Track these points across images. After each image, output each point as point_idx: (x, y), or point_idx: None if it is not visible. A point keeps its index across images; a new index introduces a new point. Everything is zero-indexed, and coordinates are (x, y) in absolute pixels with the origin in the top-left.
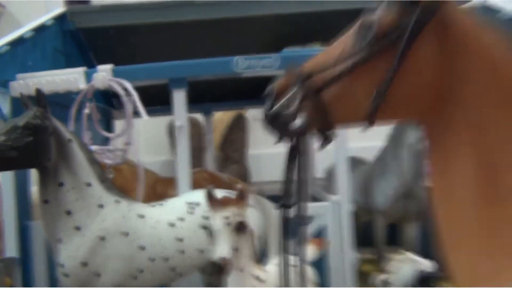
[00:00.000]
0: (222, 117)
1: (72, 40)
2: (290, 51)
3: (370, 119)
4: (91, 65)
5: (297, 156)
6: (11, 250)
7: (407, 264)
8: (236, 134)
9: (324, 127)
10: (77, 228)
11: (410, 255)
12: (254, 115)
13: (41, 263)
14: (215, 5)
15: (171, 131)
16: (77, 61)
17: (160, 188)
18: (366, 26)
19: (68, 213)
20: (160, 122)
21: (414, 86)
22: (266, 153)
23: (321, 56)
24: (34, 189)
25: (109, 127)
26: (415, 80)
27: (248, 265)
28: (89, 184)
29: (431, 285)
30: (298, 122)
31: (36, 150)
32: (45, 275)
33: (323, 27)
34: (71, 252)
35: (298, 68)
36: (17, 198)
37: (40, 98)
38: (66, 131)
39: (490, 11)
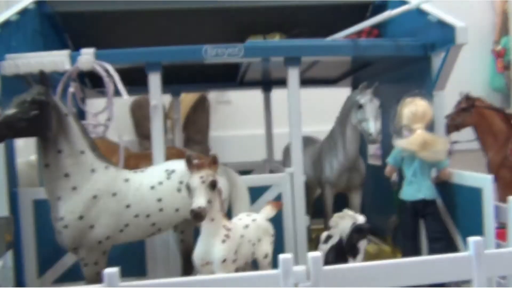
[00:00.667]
0: (185, 99)
1: (49, 22)
2: (253, 42)
3: None
4: (66, 47)
5: None
6: (3, 212)
7: (345, 219)
8: (199, 115)
9: None
10: (74, 188)
11: (348, 212)
12: (216, 97)
13: (28, 222)
14: None
15: (134, 112)
16: (53, 42)
17: (132, 162)
18: None
19: (66, 175)
20: (123, 103)
21: None
22: (228, 136)
23: None
24: (19, 161)
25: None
26: None
27: (218, 216)
28: (83, 152)
29: (363, 234)
30: None
31: (40, 122)
32: (31, 232)
33: (282, 19)
34: (69, 207)
35: None
36: (7, 169)
37: (43, 78)
38: (63, 106)
39: (422, 14)
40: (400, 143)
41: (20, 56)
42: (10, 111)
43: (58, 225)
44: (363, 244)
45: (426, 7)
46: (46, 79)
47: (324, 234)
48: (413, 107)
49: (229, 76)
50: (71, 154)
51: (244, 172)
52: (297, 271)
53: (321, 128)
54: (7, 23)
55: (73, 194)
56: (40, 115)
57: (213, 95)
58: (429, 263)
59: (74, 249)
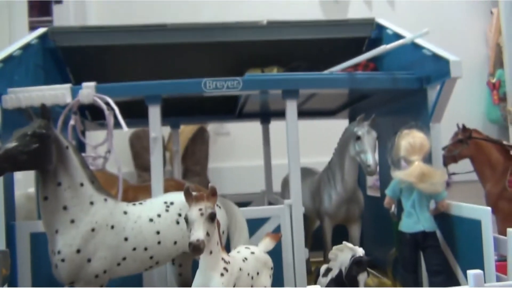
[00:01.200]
0: (184, 130)
1: (51, 57)
2: (251, 75)
3: None
4: (67, 80)
5: None
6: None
7: (344, 251)
8: (198, 147)
9: None
10: (72, 221)
11: (347, 244)
12: (215, 129)
13: (25, 256)
14: (184, 30)
15: (132, 143)
16: (54, 76)
17: (131, 194)
18: None
19: (65, 208)
20: (123, 135)
21: None
22: (227, 167)
23: None
24: (17, 193)
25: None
26: None
27: (217, 248)
28: (82, 184)
29: (363, 266)
30: None
31: (40, 155)
32: (27, 266)
33: (280, 53)
34: (67, 241)
35: None
36: (5, 202)
37: (44, 112)
38: (64, 139)
39: (417, 48)
40: (398, 175)
41: (22, 90)
42: (11, 144)
43: (55, 259)
44: (363, 277)
45: (420, 41)
46: (47, 112)
47: (323, 267)
48: (410, 139)
49: (228, 108)
50: (70, 186)
51: (243, 203)
52: None
53: (319, 159)
54: (10, 58)
55: (71, 227)
56: (40, 148)
57: (212, 127)
58: None
59: (71, 283)
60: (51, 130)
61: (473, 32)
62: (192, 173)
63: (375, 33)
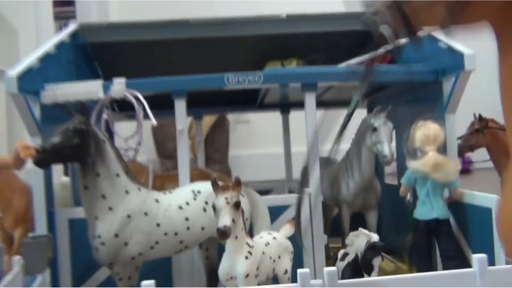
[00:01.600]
0: (204, 119)
1: (81, 53)
2: (271, 69)
3: (445, 24)
4: (96, 75)
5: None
6: (42, 230)
7: (360, 237)
8: (218, 135)
9: (406, 33)
10: (110, 208)
11: (363, 230)
12: (235, 117)
13: (64, 240)
14: (206, 25)
15: (155, 133)
16: (84, 71)
17: (158, 182)
18: None
19: (103, 196)
20: (145, 125)
21: None
22: (246, 154)
23: None
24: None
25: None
26: None
27: (241, 234)
28: (118, 175)
29: (377, 251)
30: (384, 28)
31: (81, 149)
32: (67, 249)
33: (298, 46)
34: (106, 226)
35: None
36: (45, 190)
37: (83, 109)
38: (101, 133)
39: (433, 41)
40: (413, 165)
41: (58, 86)
42: (56, 139)
43: (96, 243)
44: (377, 261)
45: (436, 34)
46: (85, 110)
47: (341, 252)
48: (425, 130)
49: (249, 99)
50: (107, 177)
51: (264, 191)
52: (314, 284)
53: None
54: (46, 56)
55: (109, 214)
56: (81, 143)
57: (232, 115)
58: (436, 278)
59: (110, 264)
60: (90, 125)
61: None
62: (213, 161)
63: None
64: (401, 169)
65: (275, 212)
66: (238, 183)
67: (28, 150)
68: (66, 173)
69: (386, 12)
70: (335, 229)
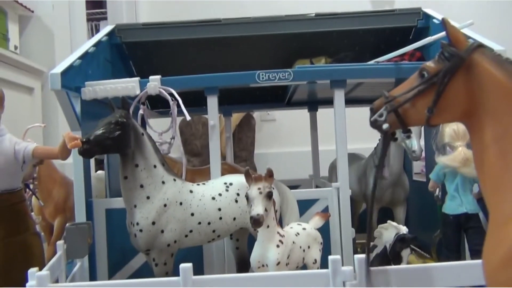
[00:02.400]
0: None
1: (117, 52)
2: (301, 66)
3: (427, 123)
4: (130, 73)
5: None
6: (81, 219)
7: (389, 229)
8: (244, 133)
9: (402, 128)
10: (148, 197)
11: (391, 223)
12: (261, 115)
13: (101, 228)
14: (237, 24)
15: (182, 130)
16: (120, 69)
17: (189, 176)
18: (423, 71)
19: (141, 186)
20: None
21: (452, 104)
22: (272, 153)
23: (400, 87)
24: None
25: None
26: (452, 101)
27: (273, 223)
28: (155, 166)
29: (406, 243)
30: (386, 127)
31: (122, 140)
32: (104, 237)
33: (327, 44)
34: (144, 214)
35: (387, 93)
36: (85, 181)
37: (124, 104)
38: (139, 127)
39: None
40: (443, 160)
41: (98, 83)
42: (99, 131)
43: (134, 230)
44: (406, 253)
45: (466, 30)
46: (126, 104)
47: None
48: (454, 125)
49: (277, 97)
50: (145, 167)
51: (292, 187)
52: (345, 270)
53: (366, 145)
54: (86, 54)
55: (147, 202)
56: (122, 135)
57: (258, 113)
58: (467, 267)
59: (147, 250)
60: (130, 119)
61: None
62: (239, 159)
63: (421, 23)
64: (430, 166)
65: (304, 206)
66: (270, 174)
67: (75, 141)
68: (96, 169)
69: (386, 114)
70: (362, 225)
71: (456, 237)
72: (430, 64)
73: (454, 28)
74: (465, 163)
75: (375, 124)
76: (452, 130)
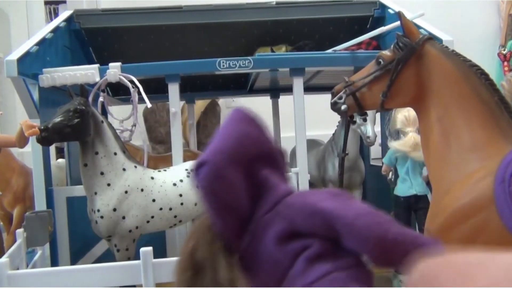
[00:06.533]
0: (196, 104)
1: (76, 38)
2: (261, 54)
3: (381, 106)
4: (90, 60)
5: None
6: (41, 207)
7: None
8: (210, 120)
9: (359, 111)
10: (108, 185)
11: None
12: (226, 102)
13: (62, 217)
14: (198, 11)
15: (146, 118)
16: (79, 56)
17: (152, 163)
18: (379, 58)
19: (102, 173)
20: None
21: (403, 89)
22: None
23: (359, 73)
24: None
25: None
26: (404, 86)
27: None
28: (115, 153)
29: None
30: (344, 108)
31: (81, 128)
32: (65, 225)
33: (287, 32)
34: (105, 201)
35: (347, 78)
36: (44, 170)
37: (82, 91)
38: (99, 114)
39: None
40: (394, 145)
41: (56, 69)
42: (57, 119)
43: (95, 216)
44: None
45: (417, 21)
46: (85, 91)
47: None
48: (405, 112)
49: (240, 84)
50: (105, 155)
51: None
52: None
53: (325, 132)
54: (43, 40)
55: (108, 189)
56: (81, 122)
57: (223, 100)
58: None
59: (108, 237)
60: (89, 106)
61: (485, 2)
62: (204, 146)
63: (378, 12)
64: (385, 151)
65: None
66: None
67: (32, 129)
68: (57, 158)
69: (345, 97)
70: None
71: (406, 217)
72: (386, 52)
73: (408, 21)
74: (415, 148)
75: (335, 107)
76: (404, 116)
